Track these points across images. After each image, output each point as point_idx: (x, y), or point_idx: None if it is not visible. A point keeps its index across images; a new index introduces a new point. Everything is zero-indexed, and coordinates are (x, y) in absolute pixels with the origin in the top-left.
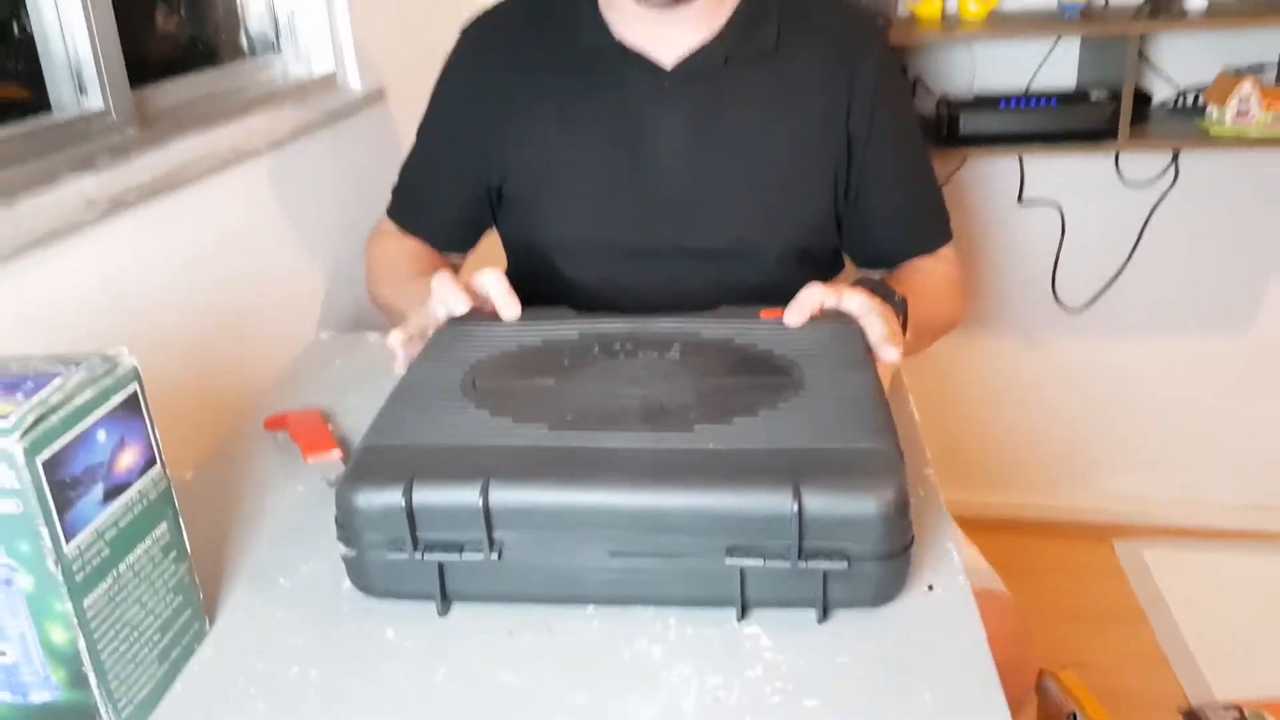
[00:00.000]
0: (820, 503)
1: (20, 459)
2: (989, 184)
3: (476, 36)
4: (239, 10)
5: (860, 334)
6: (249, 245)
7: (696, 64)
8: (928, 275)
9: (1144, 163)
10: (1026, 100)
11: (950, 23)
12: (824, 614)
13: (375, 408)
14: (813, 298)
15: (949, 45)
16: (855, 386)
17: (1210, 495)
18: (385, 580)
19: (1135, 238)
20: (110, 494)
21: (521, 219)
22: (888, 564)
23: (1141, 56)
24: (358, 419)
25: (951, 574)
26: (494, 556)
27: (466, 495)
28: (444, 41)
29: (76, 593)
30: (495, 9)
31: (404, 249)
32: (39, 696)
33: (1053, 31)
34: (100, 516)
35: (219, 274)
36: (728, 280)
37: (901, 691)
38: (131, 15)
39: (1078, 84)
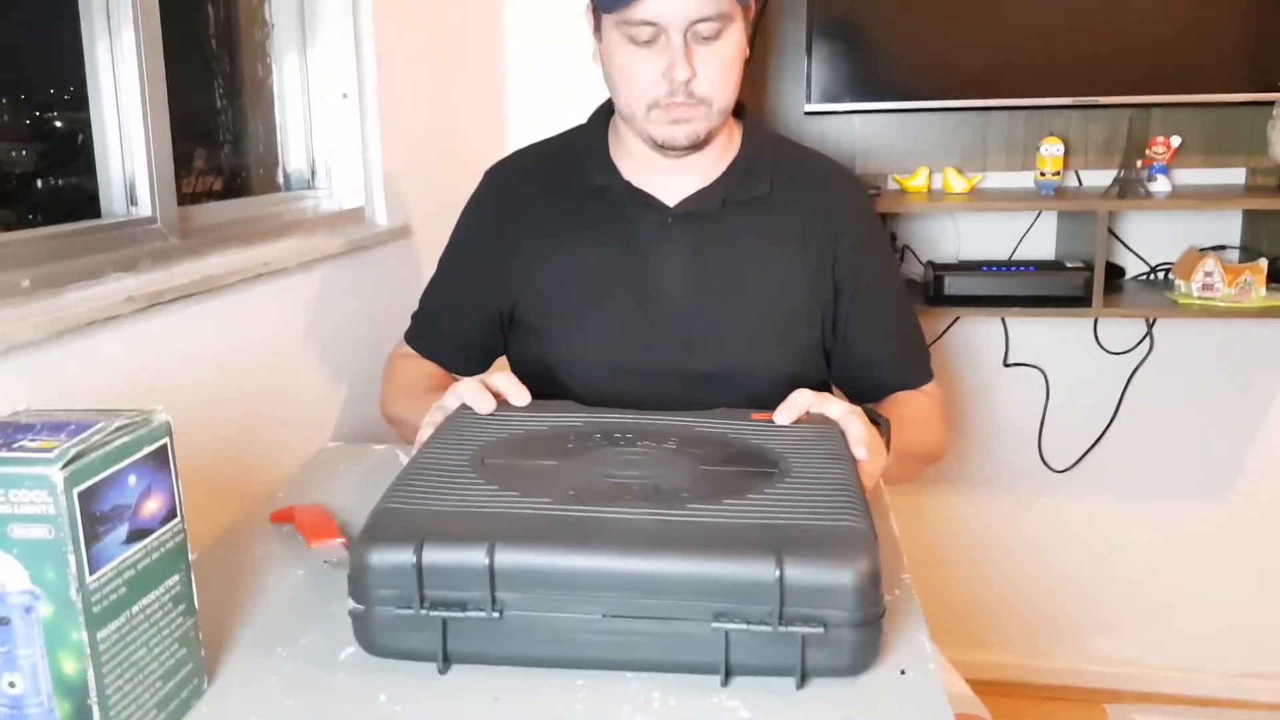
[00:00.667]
0: (800, 571)
1: (60, 486)
2: (976, 347)
3: (497, 176)
4: (278, 149)
5: (843, 435)
6: (273, 353)
7: (696, 205)
8: (910, 404)
9: (1121, 330)
10: (1008, 266)
11: (936, 195)
12: (802, 680)
13: None
14: (802, 400)
15: (935, 215)
16: (835, 476)
17: (1203, 662)
18: (389, 637)
19: (1116, 402)
20: (133, 536)
21: (531, 339)
22: (861, 631)
23: (1111, 233)
24: (361, 516)
25: (923, 661)
26: (495, 615)
27: (474, 556)
28: (466, 185)
29: (93, 624)
30: (518, 152)
31: (420, 370)
32: None
33: (1029, 206)
34: (122, 555)
35: (242, 376)
36: (721, 402)
37: None
38: (178, 145)
39: (1056, 255)
